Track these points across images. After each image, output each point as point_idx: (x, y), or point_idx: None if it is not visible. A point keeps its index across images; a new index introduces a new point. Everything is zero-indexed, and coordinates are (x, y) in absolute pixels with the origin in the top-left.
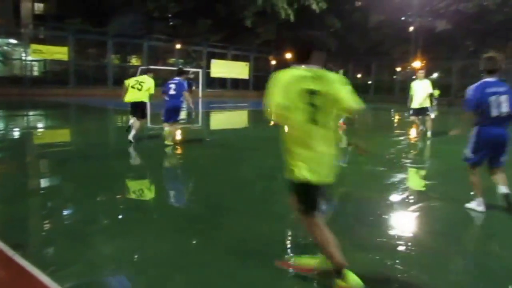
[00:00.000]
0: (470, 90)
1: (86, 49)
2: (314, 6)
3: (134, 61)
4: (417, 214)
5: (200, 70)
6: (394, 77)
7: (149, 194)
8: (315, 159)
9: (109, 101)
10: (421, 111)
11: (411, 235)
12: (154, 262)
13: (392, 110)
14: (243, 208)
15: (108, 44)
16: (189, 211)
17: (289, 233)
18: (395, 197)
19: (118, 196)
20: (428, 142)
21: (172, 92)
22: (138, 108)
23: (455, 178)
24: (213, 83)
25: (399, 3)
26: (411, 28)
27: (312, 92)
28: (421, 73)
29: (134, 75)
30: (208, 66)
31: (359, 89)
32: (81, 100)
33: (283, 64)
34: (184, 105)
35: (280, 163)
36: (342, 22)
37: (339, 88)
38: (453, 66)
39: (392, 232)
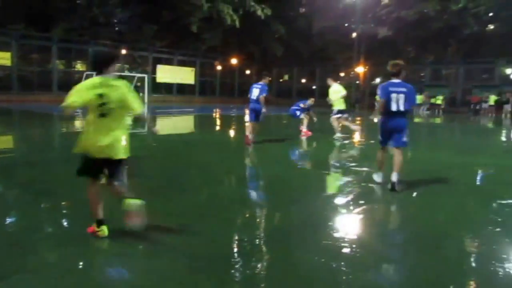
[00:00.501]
0: (379, 88)
1: (30, 55)
2: (259, 12)
3: (79, 66)
4: (361, 216)
5: (145, 76)
6: (338, 82)
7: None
8: (97, 142)
9: (54, 107)
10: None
11: (355, 237)
12: (101, 269)
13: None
14: (190, 213)
15: (53, 49)
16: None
17: (237, 236)
18: (339, 200)
19: (63, 203)
20: (371, 145)
21: None
22: None
23: (409, 180)
24: (159, 88)
25: (342, 10)
26: (354, 34)
27: (102, 95)
28: (329, 79)
29: (79, 80)
30: (154, 72)
31: (304, 94)
32: (25, 106)
33: (229, 69)
34: None
35: (228, 168)
36: (286, 28)
37: (125, 93)
38: (406, 70)
39: (337, 235)
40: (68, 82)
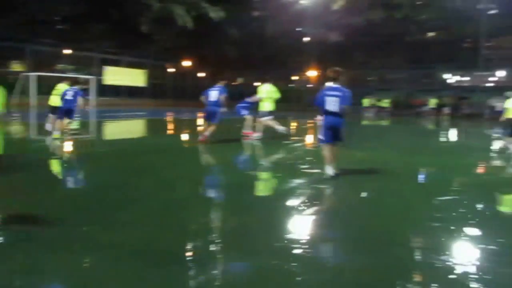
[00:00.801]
0: (319, 94)
1: None
2: (212, 15)
3: (17, 66)
4: (311, 217)
5: (92, 77)
6: (290, 85)
7: (32, 209)
8: None
9: None
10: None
11: (307, 238)
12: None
13: (288, 117)
14: (143, 220)
15: None
16: (78, 227)
17: (190, 241)
18: (292, 202)
19: None
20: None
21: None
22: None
23: (346, 182)
24: (106, 91)
25: (295, 15)
26: (306, 39)
27: None
28: (263, 81)
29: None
30: (101, 73)
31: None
32: None
33: (182, 72)
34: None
35: (180, 172)
36: (240, 31)
37: None
38: (344, 76)
39: (289, 236)
40: (3, 83)
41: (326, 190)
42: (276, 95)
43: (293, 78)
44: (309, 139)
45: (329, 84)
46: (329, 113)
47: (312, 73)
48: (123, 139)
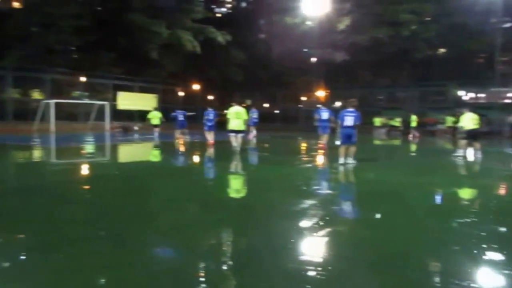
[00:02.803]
0: (340, 113)
1: None
2: (219, 39)
3: (37, 94)
4: (323, 238)
5: (106, 103)
6: (299, 106)
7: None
8: None
9: (9, 137)
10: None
11: (321, 260)
12: None
13: (299, 138)
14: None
15: (7, 78)
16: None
17: (201, 264)
18: (304, 223)
19: None
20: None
21: None
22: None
23: (359, 203)
24: (120, 115)
25: (300, 35)
26: (312, 59)
27: None
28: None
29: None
30: (114, 99)
31: (267, 118)
32: None
33: (192, 95)
34: None
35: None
36: (246, 54)
37: None
38: (353, 95)
39: (302, 258)
40: (24, 111)
41: (338, 211)
42: (245, 116)
43: (302, 98)
44: (319, 159)
45: (348, 108)
46: (346, 126)
47: (320, 93)
48: (133, 162)
